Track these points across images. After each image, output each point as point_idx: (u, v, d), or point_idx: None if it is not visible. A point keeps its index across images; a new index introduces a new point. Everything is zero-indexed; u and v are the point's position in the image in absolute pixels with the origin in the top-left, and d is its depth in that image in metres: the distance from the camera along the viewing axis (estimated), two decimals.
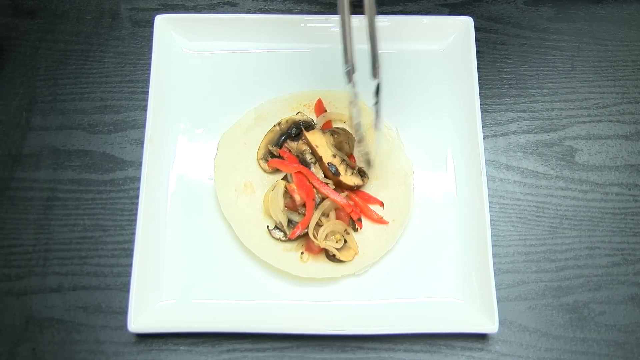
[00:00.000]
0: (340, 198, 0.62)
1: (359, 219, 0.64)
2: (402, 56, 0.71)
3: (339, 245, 0.62)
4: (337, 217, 0.63)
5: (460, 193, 0.66)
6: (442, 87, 0.70)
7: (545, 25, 0.76)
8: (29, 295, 0.62)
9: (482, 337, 0.61)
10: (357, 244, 0.63)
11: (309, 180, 0.64)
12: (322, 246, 0.61)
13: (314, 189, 0.63)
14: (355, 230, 0.64)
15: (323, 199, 0.63)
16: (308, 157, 0.65)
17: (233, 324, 0.59)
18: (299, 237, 0.63)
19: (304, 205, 0.63)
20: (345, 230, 0.63)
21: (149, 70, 0.67)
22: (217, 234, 0.64)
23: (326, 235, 0.62)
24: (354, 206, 0.64)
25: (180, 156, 0.67)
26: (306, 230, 0.62)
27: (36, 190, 0.66)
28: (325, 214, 0.63)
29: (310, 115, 0.68)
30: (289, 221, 0.63)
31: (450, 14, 0.75)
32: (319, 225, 0.62)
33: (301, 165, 0.64)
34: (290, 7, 0.76)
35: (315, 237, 0.61)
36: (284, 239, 0.63)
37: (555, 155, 0.69)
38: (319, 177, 0.64)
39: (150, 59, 0.68)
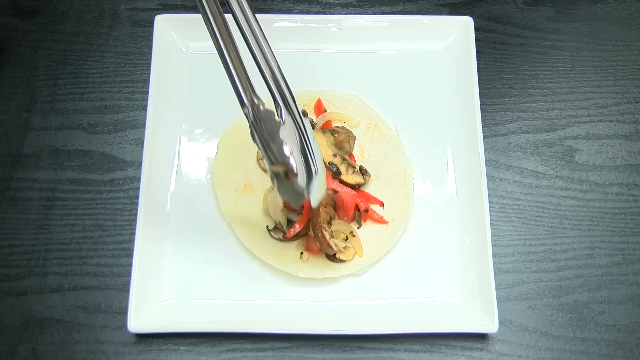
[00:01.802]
0: (348, 189, 0.62)
1: (366, 210, 0.63)
2: (402, 56, 0.72)
3: (343, 244, 0.62)
4: (338, 217, 0.63)
5: (460, 193, 0.66)
6: (442, 87, 0.70)
7: (545, 25, 0.76)
8: (29, 295, 0.62)
9: (482, 337, 0.61)
10: (362, 247, 0.63)
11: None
12: (332, 245, 0.60)
13: None
14: (360, 225, 0.64)
15: None
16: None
17: (233, 324, 0.59)
18: (298, 237, 0.63)
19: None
20: (351, 232, 0.63)
21: (149, 70, 0.67)
22: (217, 234, 0.64)
23: (332, 234, 0.62)
24: (362, 199, 0.63)
25: (180, 156, 0.67)
26: (304, 228, 0.62)
27: (36, 190, 0.66)
28: (323, 204, 0.62)
29: (310, 115, 0.68)
30: (288, 221, 0.63)
31: (450, 14, 0.75)
32: (325, 220, 0.62)
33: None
34: (290, 7, 0.76)
35: (324, 233, 0.60)
36: (283, 239, 0.63)
37: (555, 155, 0.69)
38: None
39: (150, 59, 0.68)
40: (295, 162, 0.49)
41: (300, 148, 0.50)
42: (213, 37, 0.48)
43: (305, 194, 0.51)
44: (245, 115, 0.49)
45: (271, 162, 0.50)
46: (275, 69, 0.50)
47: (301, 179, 0.50)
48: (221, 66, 0.72)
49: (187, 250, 0.63)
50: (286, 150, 0.48)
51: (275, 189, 0.52)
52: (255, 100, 0.49)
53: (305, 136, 0.50)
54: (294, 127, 0.50)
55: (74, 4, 0.75)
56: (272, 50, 0.50)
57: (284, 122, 0.49)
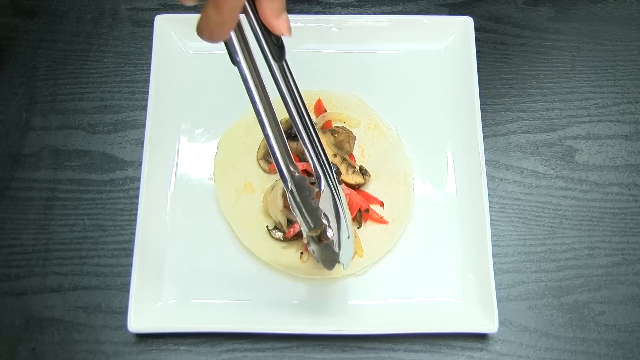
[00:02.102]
0: (348, 190, 0.63)
1: (367, 210, 0.63)
2: (402, 56, 0.72)
3: None
4: None
5: (460, 193, 0.66)
6: (442, 87, 0.70)
7: (545, 25, 0.76)
8: (29, 295, 0.62)
9: (482, 337, 0.61)
10: (362, 248, 0.63)
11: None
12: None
13: None
14: (360, 225, 0.64)
15: None
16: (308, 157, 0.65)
17: (233, 324, 0.59)
18: (298, 237, 0.63)
19: None
20: None
21: (149, 70, 0.67)
22: (217, 234, 0.64)
23: None
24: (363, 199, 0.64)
25: (180, 156, 0.67)
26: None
27: (36, 190, 0.66)
28: None
29: (310, 115, 0.68)
30: (288, 221, 0.63)
31: (450, 14, 0.75)
32: None
33: (305, 163, 0.64)
34: (290, 7, 0.75)
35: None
36: (283, 239, 0.63)
37: (555, 155, 0.69)
38: None
39: (150, 59, 0.68)
40: (332, 229, 0.52)
41: (335, 215, 0.52)
42: (255, 109, 0.47)
43: (337, 258, 0.55)
44: (285, 186, 0.50)
45: (308, 228, 0.53)
46: (317, 143, 0.50)
47: (337, 245, 0.53)
48: (221, 66, 0.72)
49: (187, 250, 0.63)
50: (324, 218, 0.51)
51: (311, 253, 0.56)
52: (292, 168, 0.50)
53: (341, 204, 0.52)
54: (331, 195, 0.51)
55: (74, 4, 0.75)
56: (312, 119, 0.51)
57: (322, 191, 0.50)
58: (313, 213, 0.52)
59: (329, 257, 0.55)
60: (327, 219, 0.52)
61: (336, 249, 0.54)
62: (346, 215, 0.53)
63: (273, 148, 0.48)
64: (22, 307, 0.62)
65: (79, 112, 0.70)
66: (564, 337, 0.62)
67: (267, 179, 0.66)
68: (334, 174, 0.52)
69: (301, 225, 0.54)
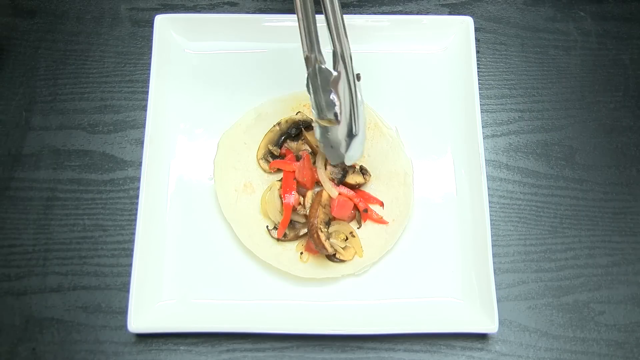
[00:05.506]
0: (347, 190, 0.63)
1: (365, 210, 0.63)
2: (402, 56, 0.72)
3: (343, 244, 0.62)
4: (335, 217, 0.63)
5: (460, 193, 0.66)
6: (442, 87, 0.70)
7: (545, 25, 0.76)
8: (29, 295, 0.62)
9: (482, 337, 0.61)
10: (362, 247, 0.63)
11: (300, 180, 0.64)
12: (327, 247, 0.60)
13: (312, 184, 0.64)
14: (360, 225, 0.64)
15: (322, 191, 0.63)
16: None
17: (233, 324, 0.59)
18: (298, 237, 0.63)
19: (299, 204, 0.63)
20: (351, 233, 0.63)
21: (149, 70, 0.67)
22: (217, 234, 0.64)
23: (331, 234, 0.62)
24: (361, 199, 0.63)
25: (180, 156, 0.67)
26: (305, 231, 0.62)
27: (36, 190, 0.66)
28: (322, 205, 0.62)
29: (310, 115, 0.68)
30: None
31: (450, 14, 0.75)
32: (323, 221, 0.62)
33: (308, 159, 0.64)
34: (290, 6, 0.75)
35: (320, 235, 0.61)
36: (283, 239, 0.63)
37: (555, 155, 0.69)
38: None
39: (150, 59, 0.68)
40: (341, 112, 0.54)
41: (349, 104, 0.55)
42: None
43: (342, 151, 0.58)
44: (306, 62, 0.54)
45: (319, 114, 0.55)
46: (341, 27, 0.53)
47: (342, 131, 0.56)
48: (221, 66, 0.72)
49: (187, 250, 0.63)
50: (335, 99, 0.54)
51: (319, 143, 0.59)
52: (318, 57, 0.54)
53: (355, 96, 0.55)
54: (347, 84, 0.54)
55: (74, 4, 0.75)
56: (342, 16, 0.54)
57: (338, 75, 0.53)
58: (328, 97, 0.54)
59: (332, 147, 0.58)
60: (340, 103, 0.54)
61: (341, 137, 0.57)
62: (358, 109, 0.56)
63: (300, 18, 0.53)
64: (22, 307, 0.62)
65: (79, 112, 0.70)
66: (564, 337, 0.62)
67: (267, 179, 0.66)
68: (352, 64, 0.54)
69: (313, 111, 0.56)
